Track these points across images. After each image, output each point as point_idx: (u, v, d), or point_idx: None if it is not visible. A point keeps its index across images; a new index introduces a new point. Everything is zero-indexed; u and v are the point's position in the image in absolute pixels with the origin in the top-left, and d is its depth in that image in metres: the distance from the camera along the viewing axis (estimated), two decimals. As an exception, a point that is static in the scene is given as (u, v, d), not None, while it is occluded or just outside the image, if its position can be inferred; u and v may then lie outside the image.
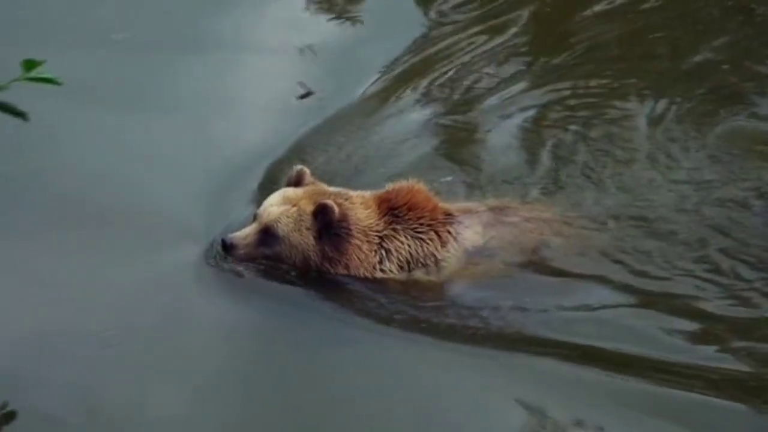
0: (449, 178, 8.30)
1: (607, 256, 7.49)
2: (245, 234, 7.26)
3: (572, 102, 9.23)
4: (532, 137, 8.83)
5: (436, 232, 7.40)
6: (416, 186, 7.47)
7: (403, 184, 7.49)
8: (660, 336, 6.94)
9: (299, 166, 7.50)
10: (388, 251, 7.32)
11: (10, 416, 6.32)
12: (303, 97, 9.25)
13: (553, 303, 7.21)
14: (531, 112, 9.15)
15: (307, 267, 7.29)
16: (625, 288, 7.29)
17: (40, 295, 7.15)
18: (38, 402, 6.41)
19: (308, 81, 9.34)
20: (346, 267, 7.29)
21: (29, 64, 4.80)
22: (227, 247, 7.22)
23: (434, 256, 7.37)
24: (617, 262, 7.47)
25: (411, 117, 9.15)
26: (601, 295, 7.26)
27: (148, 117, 8.90)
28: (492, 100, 9.35)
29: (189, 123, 8.96)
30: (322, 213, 7.18)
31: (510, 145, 8.76)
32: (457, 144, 8.85)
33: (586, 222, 7.69)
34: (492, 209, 7.60)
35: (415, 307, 7.20)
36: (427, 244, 7.37)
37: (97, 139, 8.64)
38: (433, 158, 8.63)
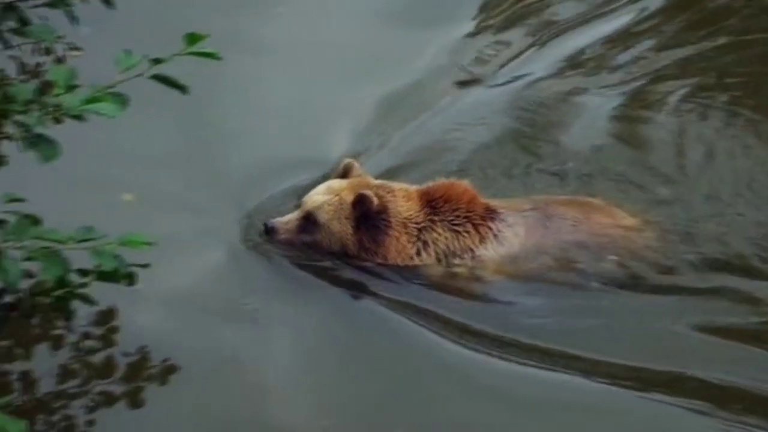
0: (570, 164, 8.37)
1: (654, 270, 7.45)
2: (287, 219, 7.43)
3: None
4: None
5: (474, 226, 7.44)
6: (456, 181, 7.55)
7: (443, 180, 7.59)
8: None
9: (348, 159, 7.66)
10: (425, 243, 7.41)
11: (171, 370, 6.55)
12: (465, 83, 9.30)
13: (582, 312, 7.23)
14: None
15: (345, 255, 7.42)
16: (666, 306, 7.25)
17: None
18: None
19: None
20: (384, 257, 7.41)
21: (192, 38, 4.90)
22: (269, 231, 7.39)
23: (471, 250, 7.42)
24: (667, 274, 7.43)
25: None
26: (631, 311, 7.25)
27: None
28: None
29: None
30: (360, 203, 7.32)
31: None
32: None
33: (653, 232, 7.63)
34: (538, 208, 7.58)
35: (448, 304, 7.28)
36: (464, 236, 7.44)
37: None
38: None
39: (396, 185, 7.57)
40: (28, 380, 6.50)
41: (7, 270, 4.84)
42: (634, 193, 8.06)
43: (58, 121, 4.84)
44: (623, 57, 9.70)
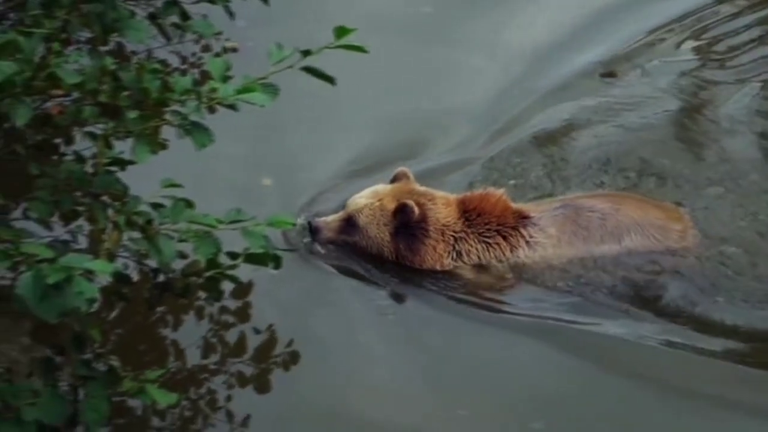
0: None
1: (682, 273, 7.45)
2: (330, 219, 7.53)
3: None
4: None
5: (504, 237, 7.50)
6: (491, 192, 7.60)
7: (479, 190, 7.67)
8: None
9: (401, 168, 7.73)
10: (459, 253, 7.49)
11: (295, 357, 6.82)
12: (606, 75, 9.36)
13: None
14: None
15: (383, 257, 7.52)
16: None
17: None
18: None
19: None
20: (419, 264, 7.50)
21: (341, 32, 5.06)
22: (312, 230, 7.51)
23: (502, 261, 7.50)
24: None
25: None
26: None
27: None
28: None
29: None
30: (402, 212, 7.40)
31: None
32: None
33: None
34: (565, 206, 7.61)
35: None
36: (493, 248, 7.50)
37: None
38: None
39: (438, 193, 7.63)
40: (177, 354, 6.83)
41: (162, 251, 5.09)
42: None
43: (212, 110, 5.07)
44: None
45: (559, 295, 7.38)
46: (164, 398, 5.20)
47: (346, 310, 7.34)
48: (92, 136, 5.22)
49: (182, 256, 5.34)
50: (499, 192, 7.58)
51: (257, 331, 6.96)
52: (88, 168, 5.20)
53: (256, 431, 6.43)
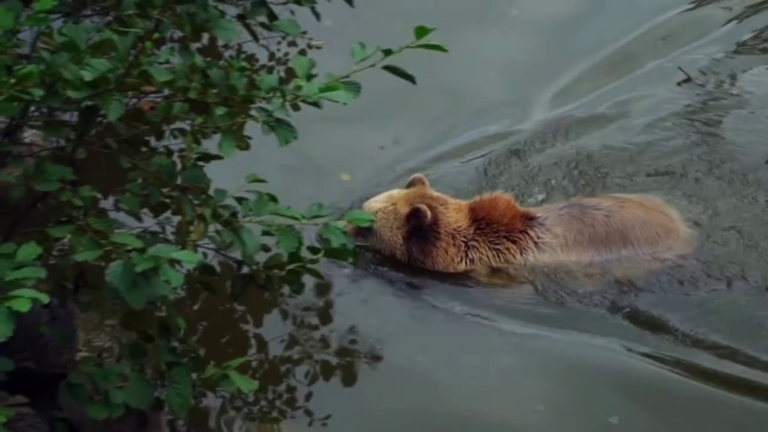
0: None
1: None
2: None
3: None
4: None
5: (513, 241, 7.63)
6: (498, 196, 7.77)
7: (487, 195, 7.81)
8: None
9: (417, 174, 7.88)
10: (471, 260, 7.66)
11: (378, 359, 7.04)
12: (684, 82, 9.37)
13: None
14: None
15: (397, 260, 7.67)
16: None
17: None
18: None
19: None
20: (431, 266, 7.65)
21: (421, 31, 5.16)
22: None
23: (513, 265, 7.64)
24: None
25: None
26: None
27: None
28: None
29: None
30: (415, 216, 7.55)
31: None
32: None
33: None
34: (570, 205, 7.76)
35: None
36: (504, 253, 7.64)
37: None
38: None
39: (451, 199, 7.78)
40: (260, 344, 7.00)
41: (245, 243, 5.24)
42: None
43: (296, 107, 5.21)
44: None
45: (623, 291, 7.46)
46: (246, 385, 5.35)
47: (425, 310, 7.50)
48: (181, 131, 5.42)
49: (265, 249, 5.48)
50: (507, 196, 7.77)
51: (338, 328, 7.13)
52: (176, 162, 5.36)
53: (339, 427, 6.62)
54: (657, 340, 7.16)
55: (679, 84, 9.25)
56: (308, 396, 6.73)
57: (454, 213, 7.71)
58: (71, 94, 4.74)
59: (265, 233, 5.30)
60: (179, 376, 5.28)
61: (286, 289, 6.50)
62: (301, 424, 6.59)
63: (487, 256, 7.65)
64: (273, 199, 5.35)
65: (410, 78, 5.28)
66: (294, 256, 5.49)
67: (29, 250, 4.49)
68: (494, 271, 7.66)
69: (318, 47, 9.04)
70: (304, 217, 5.36)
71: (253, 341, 7.04)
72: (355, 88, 5.18)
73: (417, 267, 7.67)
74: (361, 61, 5.21)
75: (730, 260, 7.57)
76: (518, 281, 7.61)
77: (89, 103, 4.93)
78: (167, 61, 5.07)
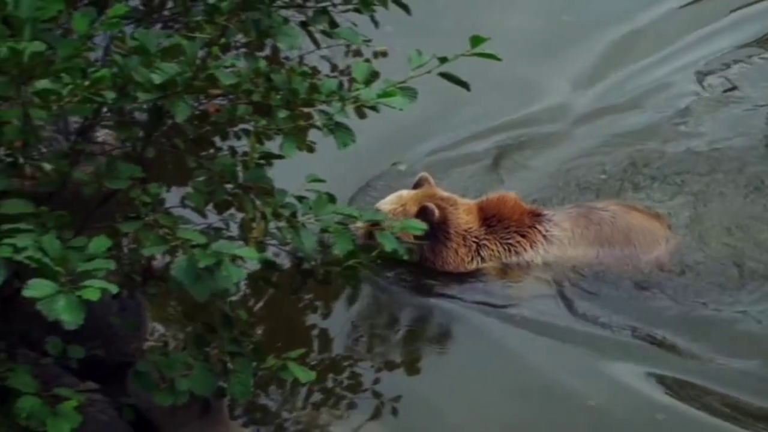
0: None
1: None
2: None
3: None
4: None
5: (523, 236, 7.74)
6: (505, 195, 7.86)
7: (494, 194, 7.92)
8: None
9: (422, 173, 7.95)
10: (482, 259, 7.75)
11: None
12: (728, 90, 9.45)
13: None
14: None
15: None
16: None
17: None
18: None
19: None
20: (442, 267, 7.75)
21: (476, 40, 5.33)
22: None
23: (524, 259, 7.74)
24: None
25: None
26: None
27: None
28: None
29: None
30: (423, 214, 7.52)
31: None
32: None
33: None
34: (578, 206, 7.92)
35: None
36: (515, 247, 7.76)
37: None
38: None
39: (461, 199, 7.86)
40: (322, 341, 7.21)
41: (303, 241, 5.45)
42: None
43: (362, 114, 5.38)
44: None
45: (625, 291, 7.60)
46: (304, 375, 5.57)
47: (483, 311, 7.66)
48: (245, 132, 5.63)
49: (324, 246, 5.70)
50: (513, 194, 7.89)
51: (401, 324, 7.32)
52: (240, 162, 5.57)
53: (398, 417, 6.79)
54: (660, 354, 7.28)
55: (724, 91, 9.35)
56: (371, 386, 6.94)
57: (464, 214, 7.81)
58: (141, 96, 4.93)
59: (324, 231, 5.48)
60: (241, 366, 5.48)
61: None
62: (362, 413, 6.79)
63: (498, 252, 7.76)
64: (332, 199, 5.54)
65: (465, 85, 5.46)
66: (351, 253, 5.64)
67: (100, 243, 4.63)
68: (505, 266, 7.78)
69: (383, 54, 9.21)
70: (361, 217, 5.56)
71: (314, 336, 7.23)
72: (411, 93, 5.35)
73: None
74: (417, 67, 5.38)
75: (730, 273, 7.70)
76: (529, 276, 7.74)
77: (158, 104, 5.12)
78: (232, 66, 5.27)
